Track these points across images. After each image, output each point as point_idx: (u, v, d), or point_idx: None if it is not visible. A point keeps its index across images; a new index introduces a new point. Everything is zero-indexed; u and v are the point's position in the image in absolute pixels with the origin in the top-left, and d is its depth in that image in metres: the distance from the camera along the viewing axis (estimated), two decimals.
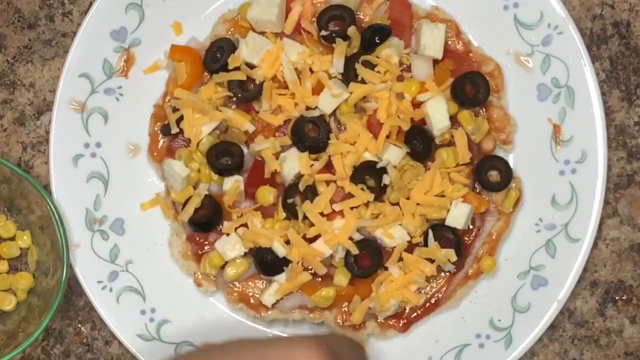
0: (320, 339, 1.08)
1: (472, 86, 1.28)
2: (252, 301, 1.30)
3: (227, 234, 1.28)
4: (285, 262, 1.27)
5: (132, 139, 1.32)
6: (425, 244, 1.27)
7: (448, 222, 1.27)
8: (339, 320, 1.29)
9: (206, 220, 1.28)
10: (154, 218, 1.32)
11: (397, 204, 1.27)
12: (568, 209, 1.31)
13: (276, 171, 1.27)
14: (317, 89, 1.27)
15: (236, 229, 1.28)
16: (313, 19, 1.29)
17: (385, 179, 1.25)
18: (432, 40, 1.27)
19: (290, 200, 1.26)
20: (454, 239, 1.27)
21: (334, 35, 1.26)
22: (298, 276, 1.27)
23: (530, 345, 1.30)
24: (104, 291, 1.30)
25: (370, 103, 1.26)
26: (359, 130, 1.26)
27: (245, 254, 1.28)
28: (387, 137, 1.26)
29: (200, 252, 1.30)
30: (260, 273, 1.29)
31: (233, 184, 1.27)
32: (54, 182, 1.30)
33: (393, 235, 1.26)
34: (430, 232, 1.27)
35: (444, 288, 1.30)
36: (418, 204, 1.26)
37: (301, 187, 1.26)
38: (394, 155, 1.26)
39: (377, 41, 1.27)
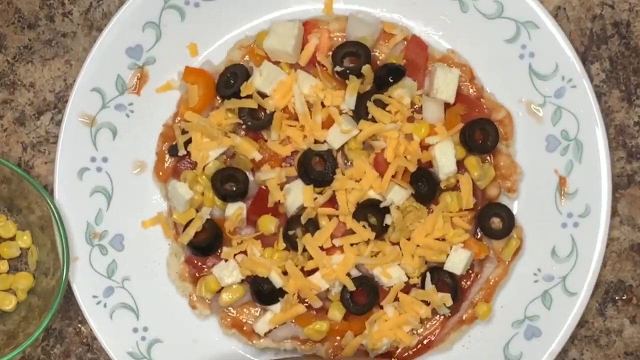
0: None
1: (481, 133, 1.28)
2: (245, 328, 1.30)
3: (226, 260, 1.28)
4: (281, 292, 1.27)
5: (138, 157, 1.32)
6: (422, 286, 1.27)
7: (447, 267, 1.27)
8: (330, 353, 1.29)
9: (206, 245, 1.28)
10: (154, 236, 1.32)
11: (398, 243, 1.27)
12: (567, 262, 1.30)
13: (280, 201, 1.27)
14: (327, 124, 1.27)
15: (235, 255, 1.28)
16: (329, 53, 1.29)
17: (388, 219, 1.25)
18: (445, 84, 1.27)
19: (291, 232, 1.26)
20: (451, 284, 1.27)
21: (348, 71, 1.26)
22: (293, 307, 1.27)
23: None
24: (99, 306, 1.30)
25: (378, 142, 1.27)
26: (366, 167, 1.26)
27: (242, 281, 1.28)
28: (393, 176, 1.26)
29: (197, 275, 1.30)
30: (255, 301, 1.29)
31: (236, 210, 1.28)
32: (57, 193, 1.30)
33: (391, 275, 1.26)
34: (428, 275, 1.27)
35: (438, 330, 1.30)
36: (418, 245, 1.26)
37: (303, 219, 1.26)
38: (398, 195, 1.26)
39: (391, 80, 1.27)
